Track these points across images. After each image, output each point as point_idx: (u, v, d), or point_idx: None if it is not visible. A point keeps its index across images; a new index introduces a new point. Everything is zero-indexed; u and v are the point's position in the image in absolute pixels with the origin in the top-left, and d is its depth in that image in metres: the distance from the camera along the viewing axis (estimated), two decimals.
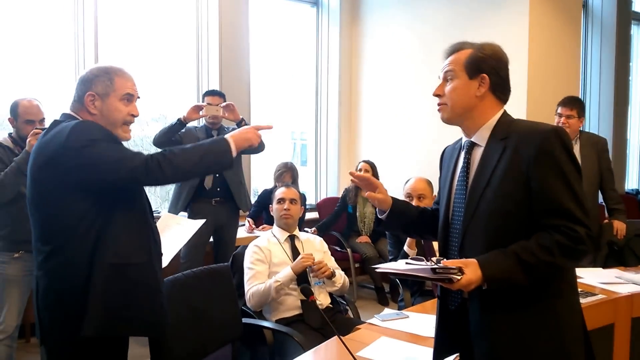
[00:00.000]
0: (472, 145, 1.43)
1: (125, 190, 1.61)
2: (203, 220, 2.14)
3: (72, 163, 1.51)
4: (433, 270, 1.23)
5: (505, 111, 1.43)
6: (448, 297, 1.46)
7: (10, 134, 2.63)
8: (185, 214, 3.54)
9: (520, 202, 1.29)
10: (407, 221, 1.60)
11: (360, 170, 4.44)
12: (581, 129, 3.40)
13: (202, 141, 1.69)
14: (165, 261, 1.84)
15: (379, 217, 1.60)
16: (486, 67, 1.39)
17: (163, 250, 1.78)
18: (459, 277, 1.23)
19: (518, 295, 1.31)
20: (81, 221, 1.54)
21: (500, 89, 1.41)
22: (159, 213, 4.05)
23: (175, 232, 2.01)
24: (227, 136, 1.67)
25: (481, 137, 1.41)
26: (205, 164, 1.63)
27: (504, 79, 1.42)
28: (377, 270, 1.39)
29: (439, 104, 1.45)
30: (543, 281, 1.31)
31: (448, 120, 1.45)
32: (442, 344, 1.50)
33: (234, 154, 1.65)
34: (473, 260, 1.27)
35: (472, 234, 1.36)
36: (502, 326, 1.33)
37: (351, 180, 1.61)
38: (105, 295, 1.52)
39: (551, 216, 1.27)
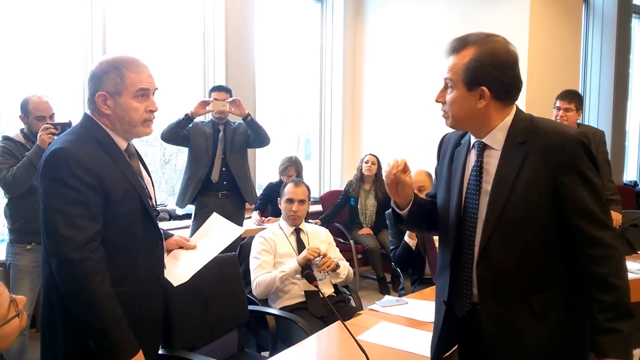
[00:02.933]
0: (484, 147, 1.33)
1: (107, 216, 1.43)
2: (244, 229, 1.97)
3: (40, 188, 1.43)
4: None
5: (517, 109, 1.32)
6: (456, 304, 1.38)
7: (22, 130, 2.71)
8: (193, 206, 3.62)
9: (549, 208, 1.26)
10: (424, 214, 1.48)
11: (367, 162, 4.53)
12: (579, 121, 3.45)
13: None
14: (199, 266, 1.70)
15: (399, 212, 1.45)
16: (485, 78, 1.25)
17: (199, 254, 1.70)
18: None
19: (536, 303, 1.28)
20: None
21: (506, 94, 1.28)
22: (165, 206, 4.16)
23: (217, 236, 1.84)
24: None
25: (494, 140, 1.30)
26: None
27: (509, 83, 1.27)
28: None
29: (442, 110, 1.34)
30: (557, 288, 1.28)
31: (453, 128, 1.37)
32: (444, 342, 1.45)
33: None
34: None
35: (500, 238, 1.28)
36: (523, 337, 1.29)
37: (387, 176, 1.38)
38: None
39: (579, 217, 1.24)
